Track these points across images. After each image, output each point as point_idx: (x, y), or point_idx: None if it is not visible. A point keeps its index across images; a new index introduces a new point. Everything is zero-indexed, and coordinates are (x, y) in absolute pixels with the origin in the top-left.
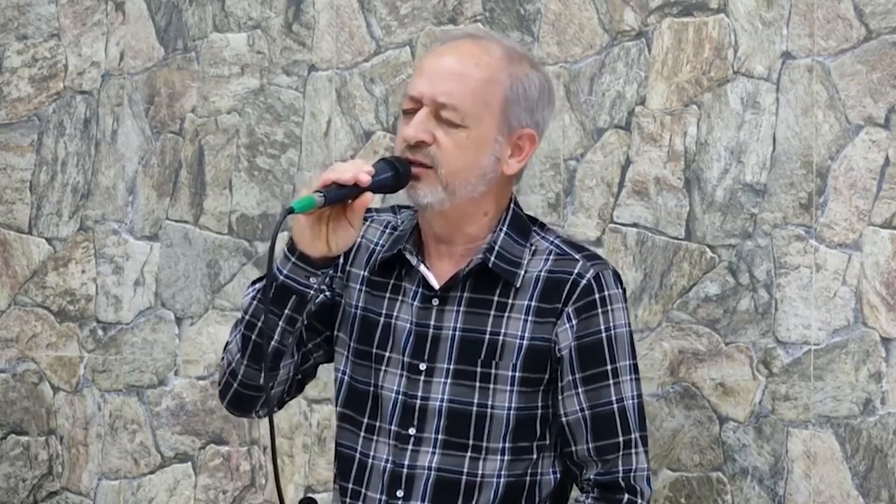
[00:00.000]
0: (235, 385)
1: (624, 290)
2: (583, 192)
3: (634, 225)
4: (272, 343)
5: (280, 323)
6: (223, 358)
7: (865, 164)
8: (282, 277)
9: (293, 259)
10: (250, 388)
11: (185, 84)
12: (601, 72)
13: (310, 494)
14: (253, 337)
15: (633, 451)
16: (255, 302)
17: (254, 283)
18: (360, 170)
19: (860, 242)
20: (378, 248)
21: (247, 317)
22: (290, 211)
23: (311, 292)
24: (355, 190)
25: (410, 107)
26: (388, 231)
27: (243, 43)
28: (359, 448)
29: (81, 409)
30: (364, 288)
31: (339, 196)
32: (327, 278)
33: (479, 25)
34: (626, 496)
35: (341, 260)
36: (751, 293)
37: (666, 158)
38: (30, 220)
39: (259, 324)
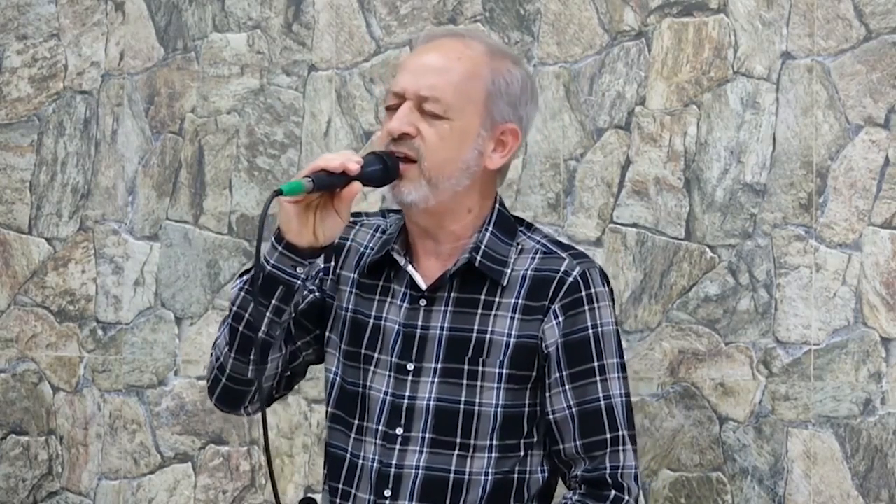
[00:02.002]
0: (224, 380)
1: (611, 290)
2: (583, 192)
3: (634, 225)
4: (260, 334)
5: (267, 314)
6: (211, 354)
7: (865, 164)
8: (269, 267)
9: (280, 248)
10: (239, 381)
11: (185, 84)
12: (601, 72)
13: (310, 494)
14: (241, 328)
15: (620, 448)
16: (241, 293)
17: (241, 275)
18: (349, 159)
19: (860, 242)
20: (368, 250)
21: (234, 308)
22: (279, 192)
23: (298, 283)
24: (344, 178)
25: (394, 102)
26: (377, 234)
27: (243, 43)
28: (349, 449)
29: (81, 409)
30: (354, 290)
31: (328, 183)
32: (318, 280)
33: (479, 25)
34: (613, 492)
35: (332, 263)
36: (751, 293)
37: (666, 158)
38: (30, 220)
39: (247, 315)
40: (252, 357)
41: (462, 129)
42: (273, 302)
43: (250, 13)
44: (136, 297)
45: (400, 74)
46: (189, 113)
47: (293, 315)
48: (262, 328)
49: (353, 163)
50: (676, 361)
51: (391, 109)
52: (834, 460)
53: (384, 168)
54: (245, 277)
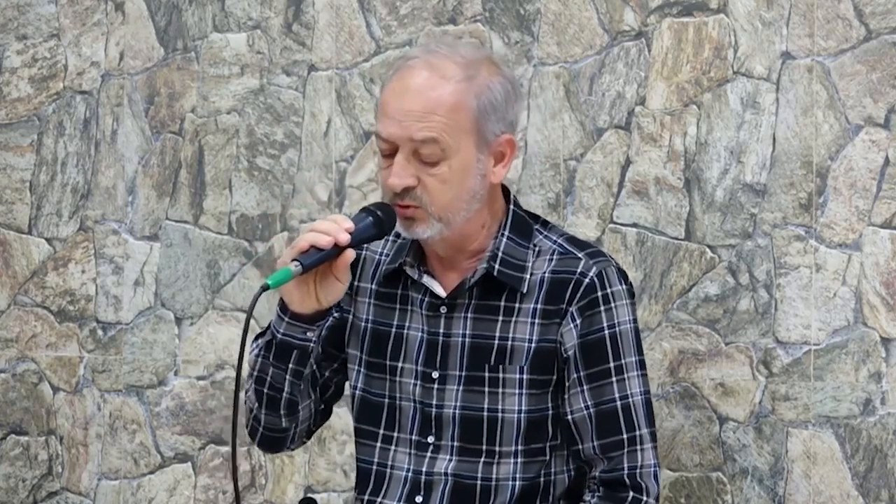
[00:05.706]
0: (261, 430)
1: (630, 287)
2: (583, 192)
3: (634, 225)
4: (284, 395)
5: (287, 377)
6: (246, 402)
7: (865, 164)
8: (280, 336)
9: (286, 319)
10: (275, 431)
11: (185, 84)
12: (601, 72)
13: (310, 494)
14: (265, 391)
15: (638, 447)
16: (259, 358)
17: (256, 338)
18: (339, 229)
19: (860, 242)
20: (383, 258)
21: (255, 372)
22: (266, 288)
23: (311, 345)
24: (336, 250)
25: (385, 148)
26: (392, 239)
27: (243, 43)
28: (376, 459)
29: (81, 409)
30: (373, 301)
31: (318, 260)
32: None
33: (479, 26)
34: (631, 493)
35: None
36: (751, 293)
37: (666, 158)
38: (30, 220)
39: (268, 378)
40: (283, 412)
41: (461, 164)
42: (290, 366)
43: (250, 13)
44: (136, 297)
45: (384, 119)
46: (189, 113)
47: (313, 367)
48: (285, 389)
49: (343, 233)
50: (676, 361)
51: (385, 156)
52: (834, 460)
53: (377, 224)
54: (260, 342)
